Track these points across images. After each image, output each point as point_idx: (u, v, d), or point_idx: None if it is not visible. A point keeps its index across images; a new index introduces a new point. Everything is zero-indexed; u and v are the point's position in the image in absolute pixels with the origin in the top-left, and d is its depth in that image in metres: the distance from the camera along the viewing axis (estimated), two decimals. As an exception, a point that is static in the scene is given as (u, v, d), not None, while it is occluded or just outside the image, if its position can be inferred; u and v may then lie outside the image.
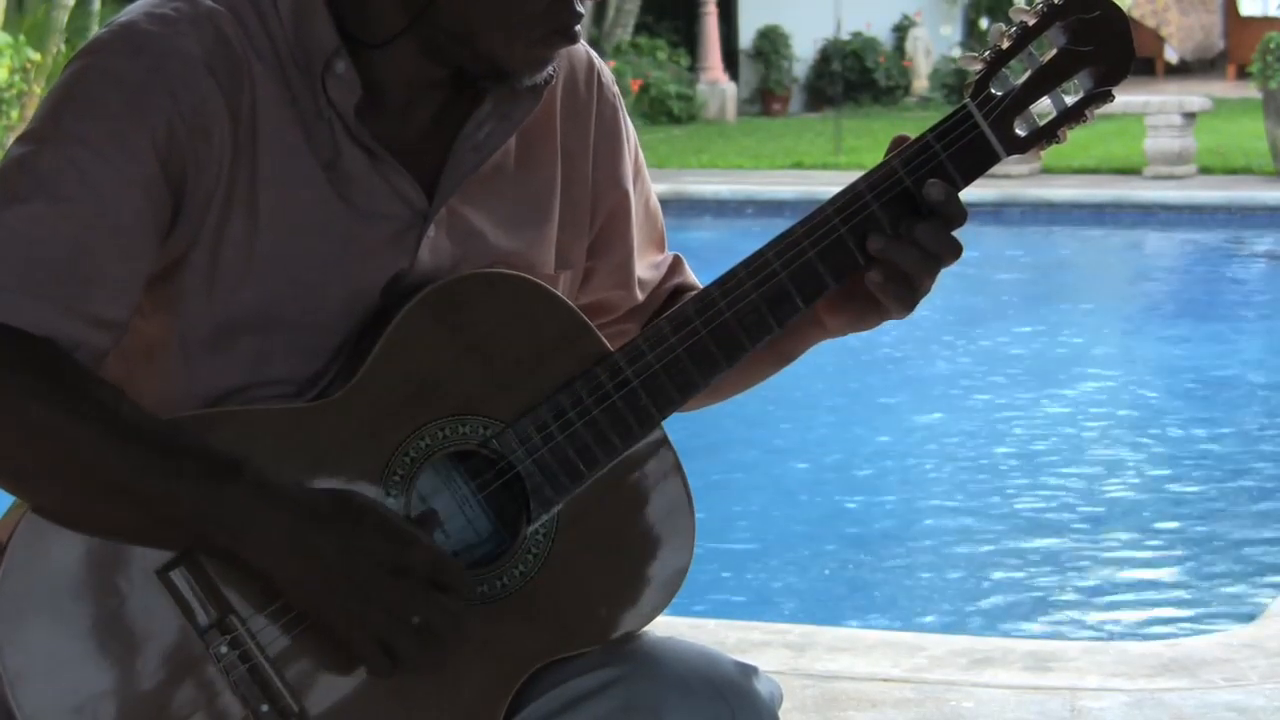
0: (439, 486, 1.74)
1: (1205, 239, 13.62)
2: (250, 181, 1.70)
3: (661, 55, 23.15)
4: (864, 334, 1.85)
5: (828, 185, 5.36)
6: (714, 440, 7.38)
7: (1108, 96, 1.76)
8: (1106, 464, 7.47)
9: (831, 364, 8.56)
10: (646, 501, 1.80)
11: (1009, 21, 1.77)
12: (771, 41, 24.75)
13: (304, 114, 1.72)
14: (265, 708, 1.64)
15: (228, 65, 1.69)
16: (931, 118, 1.90)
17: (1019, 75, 1.76)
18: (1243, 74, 21.57)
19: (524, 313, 1.75)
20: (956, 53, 22.02)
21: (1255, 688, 3.77)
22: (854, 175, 1.78)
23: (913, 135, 1.77)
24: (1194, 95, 16.41)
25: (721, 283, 1.76)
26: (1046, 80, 1.76)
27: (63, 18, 14.20)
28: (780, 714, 1.78)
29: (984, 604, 5.83)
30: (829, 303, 1.80)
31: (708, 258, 2.34)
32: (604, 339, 1.78)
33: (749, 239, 2.05)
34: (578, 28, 1.74)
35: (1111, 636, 5.42)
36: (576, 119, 1.87)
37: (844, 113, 21.23)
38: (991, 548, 6.37)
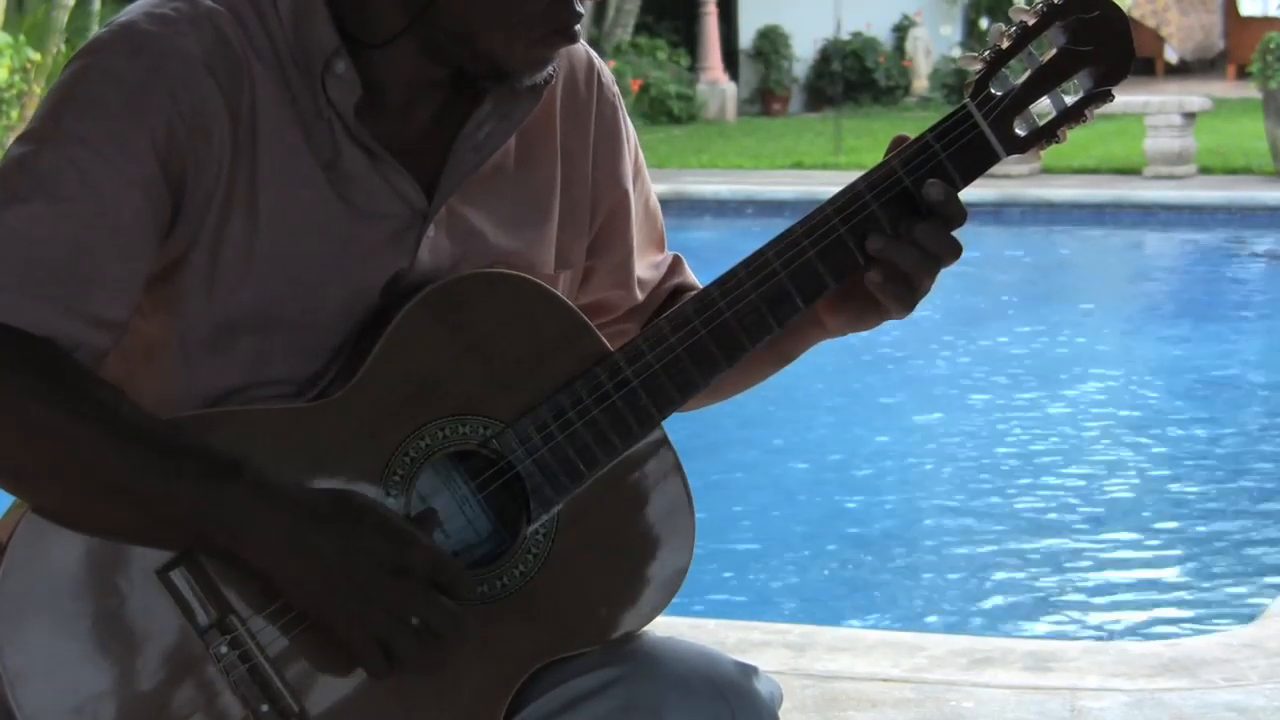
0: (439, 486, 1.74)
1: (1205, 239, 13.63)
2: (250, 181, 1.70)
3: (661, 55, 23.15)
4: (864, 334, 1.85)
5: (828, 185, 5.36)
6: (714, 440, 7.38)
7: (1107, 96, 1.76)
8: (1106, 464, 7.47)
9: (831, 364, 8.56)
10: (646, 501, 1.80)
11: (1009, 21, 1.77)
12: (771, 41, 24.75)
13: (304, 114, 1.72)
14: (265, 708, 1.64)
15: (227, 65, 1.69)
16: (931, 118, 1.90)
17: (1019, 75, 1.76)
18: (1243, 74, 21.56)
19: (524, 313, 1.75)
20: (956, 53, 22.02)
21: (1255, 688, 3.77)
22: (854, 175, 1.78)
23: (913, 135, 1.77)
24: (1194, 95, 16.41)
25: (721, 283, 1.76)
26: (1046, 80, 1.76)
27: (63, 18, 14.20)
28: (780, 714, 1.78)
29: (984, 604, 5.83)
30: (828, 303, 1.80)
31: (708, 258, 2.34)
32: (604, 339, 1.78)
33: (749, 239, 2.05)
34: (578, 27, 1.74)
35: (1111, 636, 5.42)
36: (576, 119, 1.87)
37: (844, 113, 21.23)
38: (991, 548, 6.37)
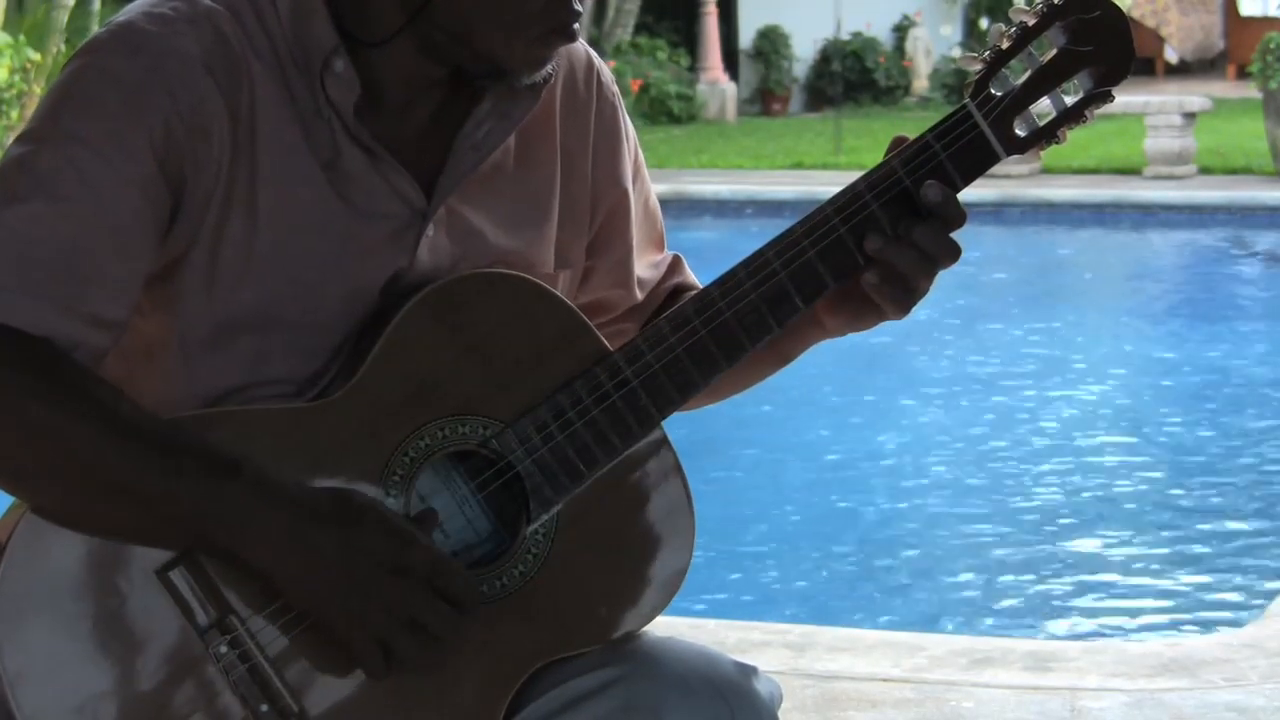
0: (438, 486, 1.74)
1: (1205, 239, 13.63)
2: (249, 181, 1.70)
3: (661, 55, 23.15)
4: (864, 333, 1.85)
5: (828, 185, 5.36)
6: (714, 440, 7.38)
7: (1108, 97, 1.76)
8: (1106, 464, 7.47)
9: (832, 364, 8.55)
10: (646, 501, 1.80)
11: (1009, 21, 1.76)
12: (771, 41, 24.75)
13: (303, 113, 1.72)
14: (265, 708, 1.64)
15: (226, 65, 1.69)
16: (931, 118, 1.90)
17: (1019, 75, 1.76)
18: (1243, 74, 21.57)
19: (523, 312, 1.75)
20: (956, 53, 21.96)
21: (1255, 688, 3.77)
22: (854, 175, 1.78)
23: (912, 135, 1.77)
24: (1194, 95, 16.41)
25: (721, 283, 1.76)
26: (1046, 80, 1.76)
27: (63, 18, 14.21)
28: (780, 714, 1.78)
29: (984, 604, 5.83)
30: (827, 302, 1.80)
31: (708, 258, 2.34)
32: (603, 339, 1.78)
33: (749, 239, 2.05)
34: (576, 26, 1.74)
35: (1112, 636, 5.42)
36: (576, 118, 1.87)
37: (844, 113, 21.24)
38: (991, 548, 6.37)
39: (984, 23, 25.36)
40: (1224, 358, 9.52)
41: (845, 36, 24.29)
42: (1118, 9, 1.75)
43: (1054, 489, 7.07)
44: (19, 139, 1.67)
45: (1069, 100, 1.76)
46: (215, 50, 1.68)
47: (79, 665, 1.62)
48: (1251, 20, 27.65)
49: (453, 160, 1.76)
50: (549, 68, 1.75)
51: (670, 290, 1.97)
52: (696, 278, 1.99)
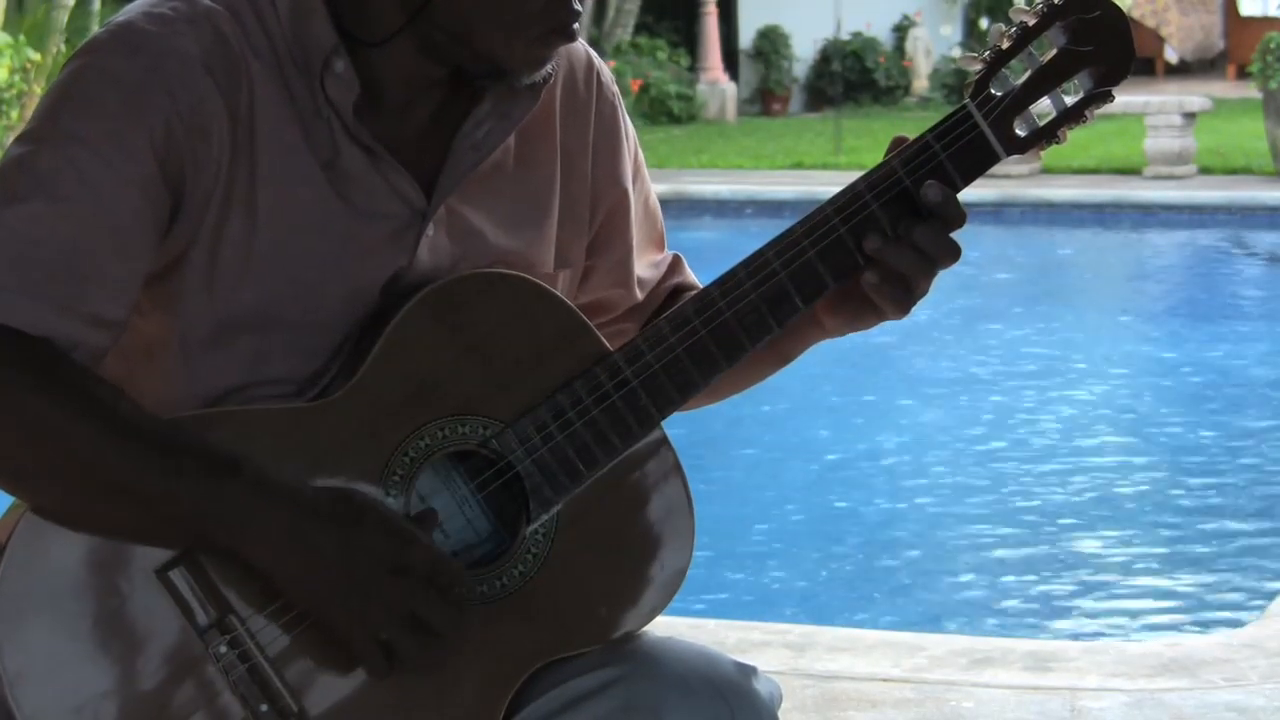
0: (438, 486, 1.74)
1: (1205, 239, 13.62)
2: (249, 180, 1.70)
3: (661, 55, 23.15)
4: (865, 333, 1.85)
5: (828, 185, 5.36)
6: (714, 440, 7.38)
7: (1108, 97, 1.76)
8: (1106, 464, 7.47)
9: (832, 364, 8.56)
10: (646, 501, 1.80)
11: (1009, 21, 1.76)
12: (771, 41, 24.75)
13: (302, 113, 1.72)
14: (264, 708, 1.64)
15: (226, 64, 1.69)
16: (931, 118, 1.90)
17: (1019, 75, 1.76)
18: (1243, 74, 21.57)
19: (523, 313, 1.75)
20: (956, 53, 21.97)
21: (1255, 688, 3.77)
22: (854, 175, 1.78)
23: (912, 135, 1.77)
24: (1194, 95, 16.41)
25: (721, 283, 1.76)
26: (1046, 80, 1.75)
27: (63, 18, 14.20)
28: (780, 714, 1.78)
29: (984, 604, 5.83)
30: (827, 302, 1.80)
31: (708, 258, 2.34)
32: (603, 339, 1.78)
33: (749, 239, 2.05)
34: (576, 26, 1.74)
35: (1111, 636, 5.42)
36: (576, 117, 1.87)
37: (844, 113, 21.24)
38: (991, 548, 6.38)
39: (984, 23, 25.36)
40: (1224, 358, 9.52)
41: (845, 36, 24.29)
42: (1118, 9, 1.75)
43: (1054, 489, 7.07)
44: (19, 139, 1.67)
45: (1069, 100, 1.76)
46: (214, 50, 1.68)
47: (79, 665, 1.62)
48: (1251, 20, 27.65)
49: (452, 160, 1.76)
50: (549, 68, 1.75)
51: (670, 290, 1.97)
52: (696, 278, 1.99)
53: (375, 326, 1.72)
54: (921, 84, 25.06)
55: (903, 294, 1.76)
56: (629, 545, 1.79)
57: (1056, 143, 1.77)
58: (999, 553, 6.32)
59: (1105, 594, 5.90)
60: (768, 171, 16.85)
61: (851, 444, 7.91)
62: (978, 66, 1.76)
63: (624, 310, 1.93)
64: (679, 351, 1.75)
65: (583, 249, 1.89)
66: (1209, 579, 6.02)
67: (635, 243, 1.93)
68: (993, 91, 1.75)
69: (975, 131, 1.75)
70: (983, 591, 5.95)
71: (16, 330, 1.61)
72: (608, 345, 1.77)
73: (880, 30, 25.61)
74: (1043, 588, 5.95)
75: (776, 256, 1.75)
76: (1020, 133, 1.76)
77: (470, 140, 1.77)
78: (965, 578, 6.09)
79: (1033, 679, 3.85)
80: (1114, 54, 1.75)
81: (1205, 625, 5.44)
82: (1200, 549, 6.32)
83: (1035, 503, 6.90)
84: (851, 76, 24.63)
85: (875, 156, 1.82)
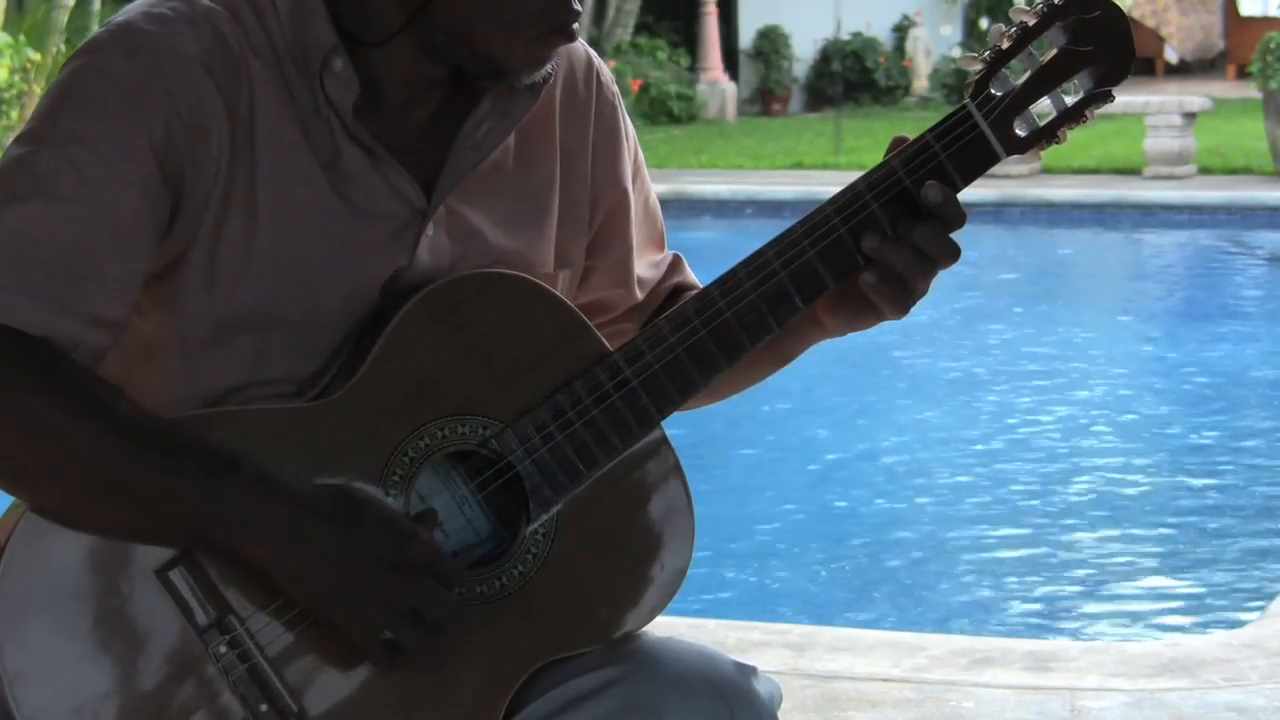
0: (438, 487, 1.74)
1: (1205, 239, 13.62)
2: (249, 180, 1.70)
3: (661, 55, 23.15)
4: (865, 333, 1.85)
5: (828, 185, 5.36)
6: (714, 440, 7.38)
7: (1108, 97, 1.76)
8: (1106, 464, 7.47)
9: (832, 364, 8.56)
10: (646, 501, 1.80)
11: (1009, 21, 1.76)
12: (771, 41, 24.75)
13: (302, 113, 1.72)
14: (264, 707, 1.64)
15: (225, 64, 1.69)
16: (931, 118, 1.90)
17: (1019, 75, 1.76)
18: (1243, 74, 21.56)
19: (523, 313, 1.75)
20: (956, 53, 21.99)
21: (1255, 688, 3.77)
22: (854, 175, 1.78)
23: (912, 135, 1.77)
24: (1194, 95, 16.41)
25: (721, 283, 1.76)
26: (1046, 80, 1.75)
27: (63, 18, 14.20)
28: (780, 714, 1.78)
29: (984, 604, 5.83)
30: (827, 302, 1.80)
31: (708, 258, 2.34)
32: (603, 339, 1.78)
33: (749, 239, 2.05)
34: (575, 26, 1.74)
35: (1111, 636, 5.42)
36: (575, 117, 1.87)
37: (844, 113, 21.23)
38: (992, 548, 6.38)
39: (984, 23, 25.37)
40: (1224, 358, 9.52)
41: (845, 36, 24.29)
42: (1118, 9, 1.75)
43: (1054, 489, 7.07)
44: (18, 139, 1.67)
45: (1069, 100, 1.76)
46: (214, 50, 1.68)
47: (79, 665, 1.62)
48: (1251, 20, 27.65)
49: (452, 160, 1.76)
50: (548, 67, 1.75)
51: (670, 290, 1.97)
52: (696, 277, 1.99)
53: (375, 326, 1.72)
54: (921, 84, 25.06)
55: (901, 294, 1.75)
56: (629, 545, 1.79)
57: (1056, 143, 1.77)
58: (999, 553, 6.32)
59: (1105, 594, 5.91)
60: (768, 171, 16.85)
61: (851, 444, 7.91)
62: (978, 66, 1.76)
63: (624, 310, 1.93)
64: (679, 351, 1.75)
65: (582, 249, 1.88)
66: (1209, 579, 6.02)
67: (635, 243, 1.93)
68: (993, 91, 1.75)
69: (975, 131, 1.75)
70: (983, 591, 5.95)
71: (16, 330, 1.61)
72: (608, 345, 1.77)
73: (880, 30, 25.61)
74: (1043, 588, 5.95)
75: (776, 256, 1.75)
76: (1020, 133, 1.76)
77: (470, 140, 1.77)
78: (965, 578, 6.09)
79: (1033, 679, 3.85)
80: (1114, 54, 1.75)
81: (1205, 625, 5.44)
82: (1200, 549, 6.32)
83: (1035, 503, 6.90)
84: (851, 76, 24.63)
85: (875, 156, 1.82)
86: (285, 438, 1.68)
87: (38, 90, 12.91)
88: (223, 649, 1.64)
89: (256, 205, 1.70)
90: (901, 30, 25.87)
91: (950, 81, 23.40)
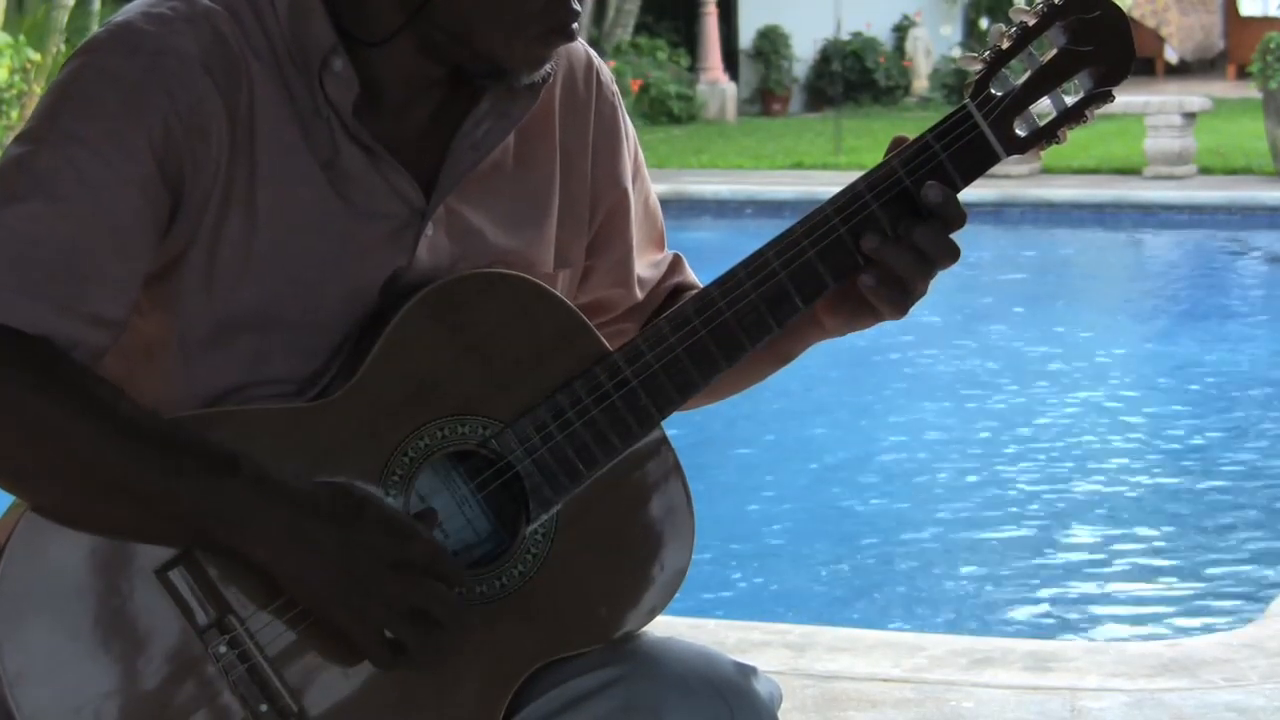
0: (438, 486, 1.74)
1: (1205, 239, 13.63)
2: (248, 180, 1.70)
3: (661, 55, 23.15)
4: (865, 333, 1.85)
5: (828, 185, 5.36)
6: (714, 440, 7.38)
7: (1108, 97, 1.76)
8: (1106, 464, 7.47)
9: (833, 363, 8.56)
10: (646, 501, 1.80)
11: (1009, 21, 1.76)
12: (771, 41, 24.75)
13: (302, 112, 1.72)
14: (264, 708, 1.64)
15: (225, 64, 1.69)
16: (931, 118, 1.90)
17: (1019, 75, 1.76)
18: (1243, 74, 21.56)
19: (523, 313, 1.75)
20: (956, 53, 21.99)
21: (1255, 688, 3.77)
22: (854, 175, 1.78)
23: (912, 135, 1.77)
24: (1194, 95, 16.41)
25: (721, 283, 1.76)
26: (1046, 80, 1.75)
27: (63, 18, 14.21)
28: (780, 714, 1.78)
29: (984, 604, 5.83)
30: (827, 302, 1.80)
31: (708, 258, 2.34)
32: (603, 339, 1.78)
33: (749, 239, 2.05)
34: (575, 25, 1.74)
35: (1111, 636, 5.42)
36: (575, 117, 1.87)
37: (844, 113, 21.24)
38: (992, 548, 6.38)
39: (984, 23, 25.37)
40: (1224, 358, 9.52)
41: (845, 36, 24.29)
42: (1118, 9, 1.75)
43: (1054, 489, 7.07)
44: (18, 139, 1.67)
45: (1069, 100, 1.76)
46: (213, 50, 1.68)
47: (79, 665, 1.62)
48: (1251, 20, 27.66)
49: (451, 159, 1.76)
50: (548, 67, 1.75)
51: (670, 290, 1.97)
52: (697, 277, 1.99)
53: (375, 326, 1.72)
54: (921, 84, 25.06)
55: (900, 295, 1.75)
56: (629, 545, 1.79)
57: (1057, 143, 1.77)
58: (999, 553, 6.32)
59: (1105, 594, 5.91)
60: (768, 171, 16.85)
61: (851, 444, 7.91)
62: (978, 66, 1.76)
63: (624, 310, 1.93)
64: (679, 351, 1.75)
65: (582, 249, 1.89)
66: (1209, 579, 6.02)
67: (635, 242, 1.93)
68: (993, 91, 1.75)
69: (975, 131, 1.75)
70: (983, 591, 5.95)
71: (16, 330, 1.61)
72: (607, 345, 1.77)
73: (880, 30, 25.62)
74: (1043, 588, 5.95)
75: (776, 256, 1.75)
76: (1020, 133, 1.76)
77: (469, 140, 1.77)
78: (965, 578, 6.09)
79: (1033, 679, 3.85)
80: (1114, 54, 1.75)
81: (1205, 625, 5.44)
82: (1200, 549, 6.32)
83: (1035, 503, 6.90)
84: (851, 76, 24.64)
85: (875, 156, 1.82)
86: (285, 437, 1.68)
87: (38, 90, 12.91)
88: (222, 649, 1.64)
89: (256, 205, 1.70)
90: (901, 30, 25.88)
91: (950, 81, 23.40)
